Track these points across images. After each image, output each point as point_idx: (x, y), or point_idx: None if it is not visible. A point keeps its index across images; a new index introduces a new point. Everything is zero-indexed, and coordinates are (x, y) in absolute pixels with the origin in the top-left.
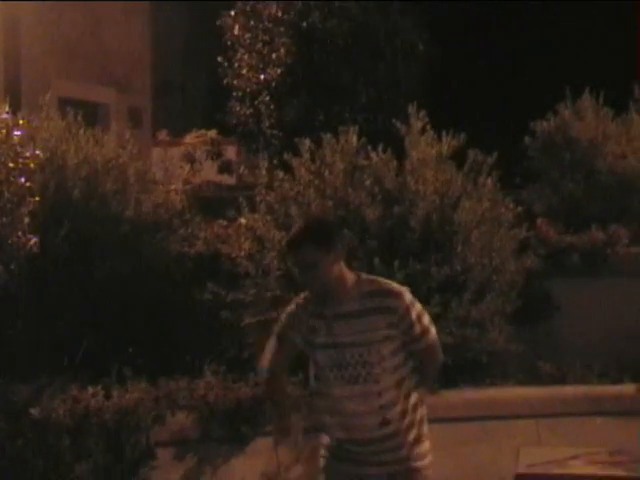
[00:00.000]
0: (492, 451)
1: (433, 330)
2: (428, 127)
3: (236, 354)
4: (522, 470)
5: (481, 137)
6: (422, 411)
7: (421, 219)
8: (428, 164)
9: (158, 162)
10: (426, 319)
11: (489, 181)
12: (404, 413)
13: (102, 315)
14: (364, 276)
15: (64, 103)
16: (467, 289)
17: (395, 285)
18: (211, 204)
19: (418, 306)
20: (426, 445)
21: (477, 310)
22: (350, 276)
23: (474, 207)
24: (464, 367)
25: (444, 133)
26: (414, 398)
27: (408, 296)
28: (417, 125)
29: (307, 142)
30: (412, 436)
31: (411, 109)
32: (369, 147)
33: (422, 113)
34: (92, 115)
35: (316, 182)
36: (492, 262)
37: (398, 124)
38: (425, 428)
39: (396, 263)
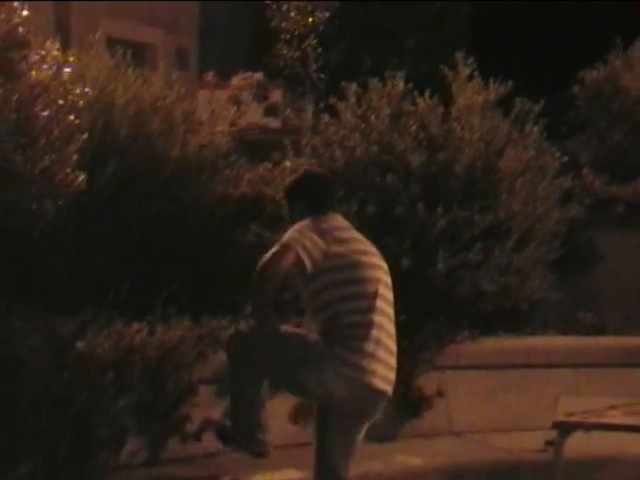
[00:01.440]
0: (530, 399)
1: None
2: (475, 74)
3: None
4: (560, 418)
5: (528, 85)
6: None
7: (466, 166)
8: (474, 111)
9: (204, 104)
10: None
11: (535, 129)
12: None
13: (146, 253)
14: None
15: (113, 42)
16: (510, 237)
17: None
18: (256, 147)
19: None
20: None
21: (519, 258)
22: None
23: (519, 155)
24: (505, 315)
25: (491, 80)
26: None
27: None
28: (464, 72)
29: (353, 86)
30: None
31: (458, 55)
32: (415, 93)
33: (470, 60)
34: (139, 55)
35: (361, 126)
36: (536, 211)
37: (445, 70)
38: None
39: (439, 209)
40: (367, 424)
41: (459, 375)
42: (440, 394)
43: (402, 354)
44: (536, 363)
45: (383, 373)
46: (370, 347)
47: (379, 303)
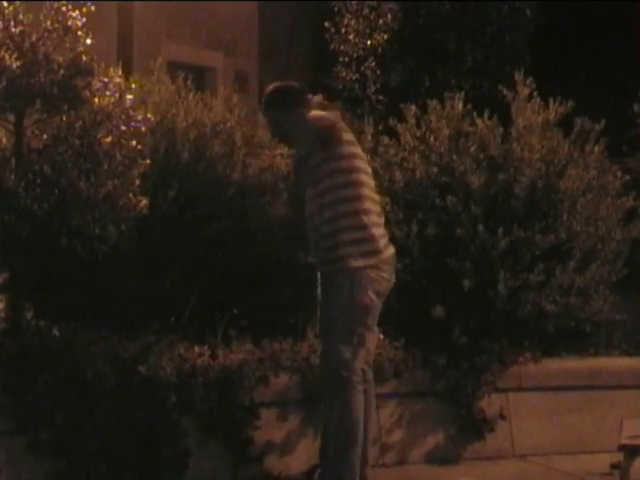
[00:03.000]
0: (595, 421)
1: None
2: (535, 94)
3: None
4: (626, 441)
5: (589, 104)
6: None
7: (526, 186)
8: (534, 131)
9: (264, 126)
10: None
11: (596, 149)
12: None
13: (207, 276)
14: None
15: (173, 67)
16: (572, 257)
17: None
18: None
19: None
20: None
21: (582, 279)
22: None
23: (580, 175)
24: (567, 336)
25: (551, 100)
26: None
27: None
28: (524, 91)
29: (413, 108)
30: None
31: (517, 75)
32: (475, 113)
33: (529, 79)
34: (200, 79)
35: (421, 148)
36: (598, 231)
37: (504, 90)
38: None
39: (500, 230)
40: None
41: (522, 397)
42: (503, 416)
43: (464, 376)
44: (600, 384)
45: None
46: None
47: (365, 191)
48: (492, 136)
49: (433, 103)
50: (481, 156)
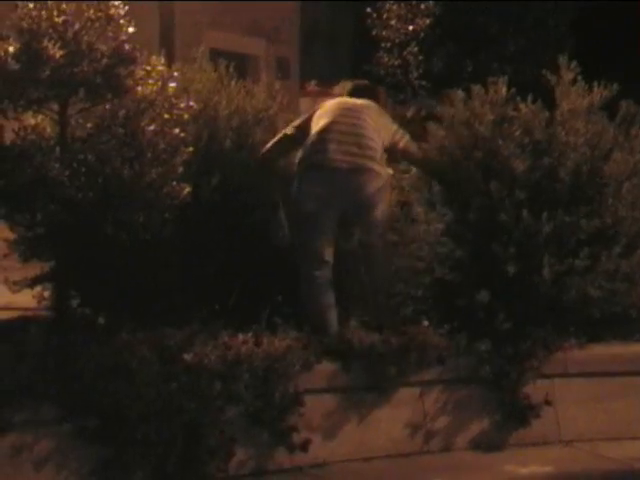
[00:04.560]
0: None
1: None
2: (579, 77)
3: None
4: None
5: (634, 88)
6: None
7: (571, 171)
8: (579, 115)
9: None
10: None
11: None
12: None
13: (251, 263)
14: None
15: (216, 55)
16: (617, 242)
17: None
18: None
19: None
20: None
21: (627, 264)
22: None
23: (626, 159)
24: (613, 321)
25: (595, 83)
26: None
27: None
28: (568, 75)
29: (460, 93)
30: None
31: (561, 60)
32: (518, 98)
33: (573, 63)
34: (242, 66)
35: (465, 133)
36: None
37: (548, 75)
38: None
39: (544, 215)
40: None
41: (567, 383)
42: (548, 402)
43: (508, 362)
44: None
45: (335, 148)
46: (318, 137)
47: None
48: (536, 120)
49: (477, 88)
50: (525, 140)
